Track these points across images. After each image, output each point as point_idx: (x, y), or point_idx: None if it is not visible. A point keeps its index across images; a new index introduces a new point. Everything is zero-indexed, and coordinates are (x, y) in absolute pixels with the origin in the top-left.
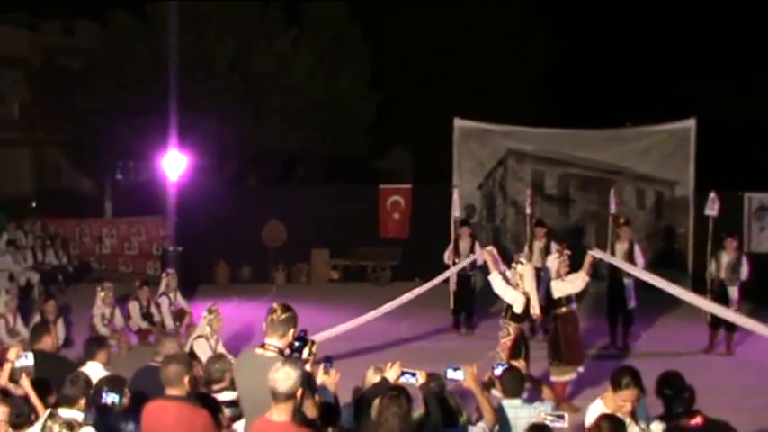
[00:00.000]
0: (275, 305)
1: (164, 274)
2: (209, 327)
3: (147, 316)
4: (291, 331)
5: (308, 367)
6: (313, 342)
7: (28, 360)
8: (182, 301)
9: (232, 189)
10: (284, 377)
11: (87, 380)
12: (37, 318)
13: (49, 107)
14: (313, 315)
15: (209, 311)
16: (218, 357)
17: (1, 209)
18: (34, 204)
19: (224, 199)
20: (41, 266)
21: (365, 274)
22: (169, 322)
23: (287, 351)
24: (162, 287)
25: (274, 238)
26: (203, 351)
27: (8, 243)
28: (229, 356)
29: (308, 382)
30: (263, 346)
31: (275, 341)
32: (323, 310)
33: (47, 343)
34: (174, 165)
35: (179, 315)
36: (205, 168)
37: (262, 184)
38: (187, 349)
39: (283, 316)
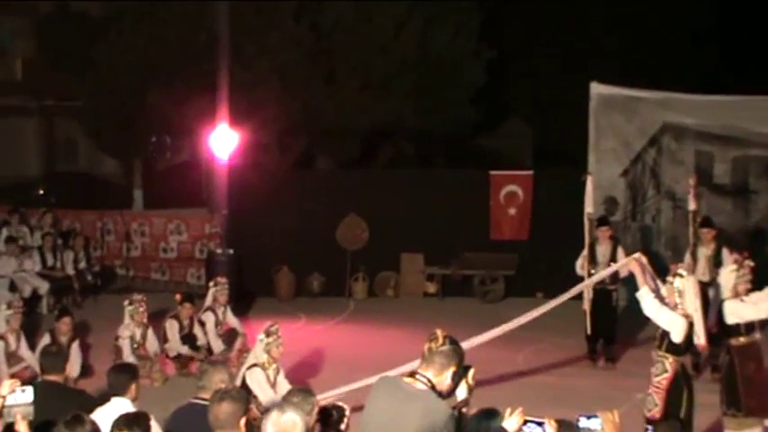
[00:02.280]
0: (437, 333)
1: (210, 285)
2: (267, 353)
3: (188, 338)
4: (451, 371)
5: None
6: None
7: (25, 396)
8: (233, 320)
9: (298, 175)
10: (289, 426)
11: (94, 428)
12: (46, 339)
13: (60, 66)
14: (401, 339)
15: (268, 334)
16: (296, 392)
17: None
18: (42, 191)
19: (287, 187)
20: (52, 273)
21: (470, 287)
22: (217, 346)
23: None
24: (208, 301)
25: (352, 239)
26: (259, 384)
27: (8, 241)
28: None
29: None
30: (412, 374)
31: (430, 374)
32: (414, 332)
33: (59, 372)
34: (223, 143)
35: (229, 337)
36: (264, 148)
37: (336, 169)
38: (238, 382)
39: (445, 348)
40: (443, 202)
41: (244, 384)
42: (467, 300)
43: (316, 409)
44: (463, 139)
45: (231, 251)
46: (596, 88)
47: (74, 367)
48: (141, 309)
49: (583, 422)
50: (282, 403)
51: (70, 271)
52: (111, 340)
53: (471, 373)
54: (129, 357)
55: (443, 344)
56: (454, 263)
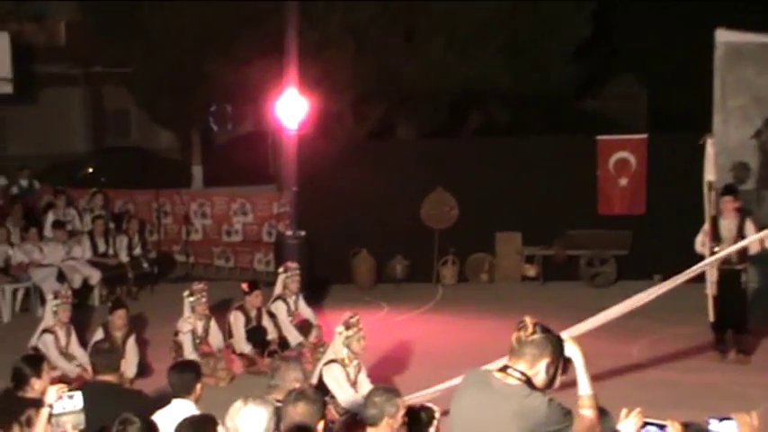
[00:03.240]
0: (526, 320)
1: (280, 271)
2: (346, 348)
3: (256, 332)
4: (544, 362)
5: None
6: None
7: (74, 402)
8: (306, 311)
9: (376, 146)
10: (250, 420)
11: (147, 427)
12: (99, 334)
13: (108, 29)
14: (497, 329)
15: (348, 326)
16: (379, 391)
17: (40, 173)
18: (91, 169)
19: (365, 160)
20: (104, 260)
21: (576, 269)
22: (292, 338)
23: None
24: (277, 289)
25: (440, 217)
26: (338, 383)
27: (55, 226)
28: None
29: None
30: (504, 369)
31: (522, 366)
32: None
33: (113, 372)
34: (291, 111)
35: (302, 330)
36: (337, 116)
37: (419, 138)
38: (314, 380)
39: (536, 337)
40: (543, 174)
41: (320, 383)
42: (572, 284)
43: (401, 411)
44: (565, 101)
45: (303, 233)
46: (723, 36)
47: (130, 366)
48: (203, 299)
49: (714, 425)
50: (247, 397)
51: (124, 258)
52: (170, 335)
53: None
54: (190, 354)
55: (533, 332)
56: (557, 242)
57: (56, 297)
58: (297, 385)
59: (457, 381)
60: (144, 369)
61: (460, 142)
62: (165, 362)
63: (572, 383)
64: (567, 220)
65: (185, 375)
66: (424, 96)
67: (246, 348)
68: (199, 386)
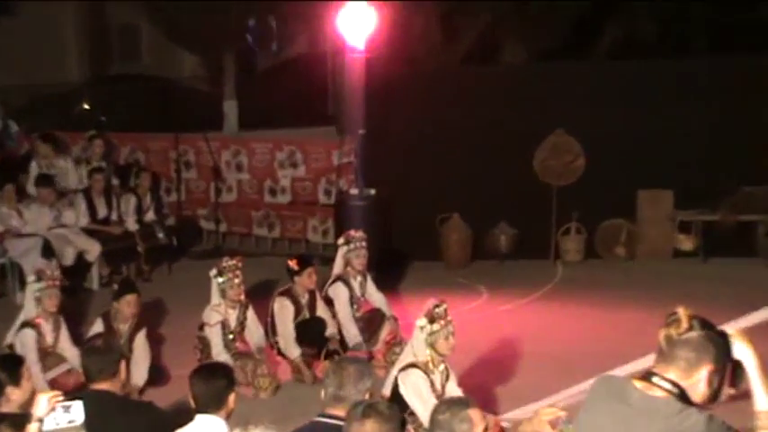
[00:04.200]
0: (680, 312)
1: (340, 243)
2: (430, 348)
3: (308, 326)
4: (705, 370)
5: None
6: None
7: (72, 415)
8: (376, 296)
9: (473, 73)
10: None
11: None
12: (97, 328)
13: None
14: (639, 323)
15: (432, 318)
16: (443, 406)
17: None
18: (88, 106)
19: (457, 93)
20: (105, 228)
21: (752, 241)
22: (351, 335)
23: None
24: (337, 268)
25: (560, 170)
26: (418, 394)
27: (39, 182)
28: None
29: None
30: (647, 376)
31: (673, 374)
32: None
33: (109, 377)
34: (358, 28)
35: (371, 323)
36: (420, 34)
37: (532, 62)
38: (387, 390)
39: (693, 335)
40: (707, 108)
41: (396, 395)
42: (744, 262)
43: (479, 428)
44: (734, 11)
45: (372, 192)
46: None
47: (138, 370)
48: (237, 281)
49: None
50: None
51: (132, 226)
52: (193, 330)
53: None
54: (220, 355)
55: (689, 329)
56: (724, 204)
57: (39, 278)
58: (364, 397)
59: (578, 388)
60: (158, 375)
61: (589, 67)
62: (186, 366)
63: (742, 395)
64: (739, 173)
65: (213, 383)
66: (539, 5)
67: (296, 349)
68: (231, 398)
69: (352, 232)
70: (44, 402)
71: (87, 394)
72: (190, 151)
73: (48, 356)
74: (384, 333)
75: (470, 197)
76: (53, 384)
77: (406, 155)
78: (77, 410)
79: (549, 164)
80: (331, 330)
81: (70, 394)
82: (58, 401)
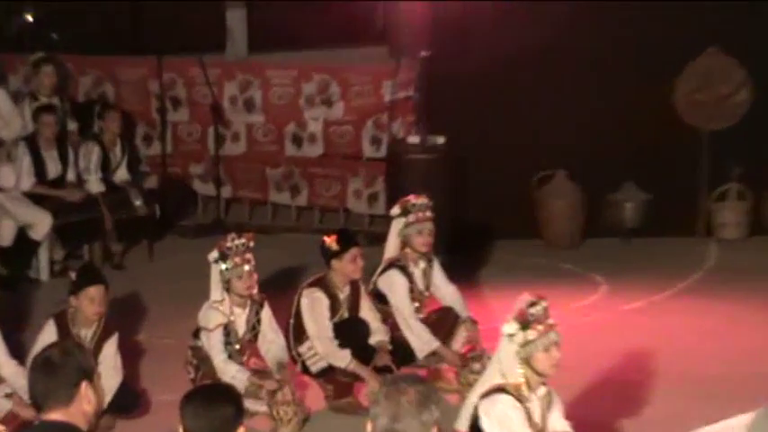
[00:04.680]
0: None
1: (394, 213)
2: (524, 365)
3: (350, 330)
4: None
5: None
6: None
7: None
8: (446, 291)
9: None
10: None
11: None
12: (48, 335)
13: None
14: None
15: (525, 321)
16: None
17: None
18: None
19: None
20: (58, 193)
21: None
22: (420, 343)
23: None
24: (390, 249)
25: (712, 107)
26: (507, 430)
27: None
28: None
29: None
30: None
31: None
32: None
33: (63, 404)
34: None
35: (438, 328)
36: None
37: None
38: (463, 426)
39: None
40: None
41: (476, 430)
42: None
43: None
44: None
45: (441, 140)
46: None
47: (105, 392)
48: (247, 268)
49: None
50: None
51: (95, 188)
52: (184, 337)
53: None
54: (224, 372)
55: None
56: None
57: None
58: (427, 429)
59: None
60: (133, 401)
61: None
62: (174, 388)
63: None
64: None
65: (214, 414)
66: None
67: (342, 358)
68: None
69: (412, 198)
70: None
71: (39, 427)
72: (178, 82)
73: None
74: (457, 343)
75: (581, 147)
76: None
77: (489, 88)
78: None
79: (697, 99)
80: (379, 338)
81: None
82: None
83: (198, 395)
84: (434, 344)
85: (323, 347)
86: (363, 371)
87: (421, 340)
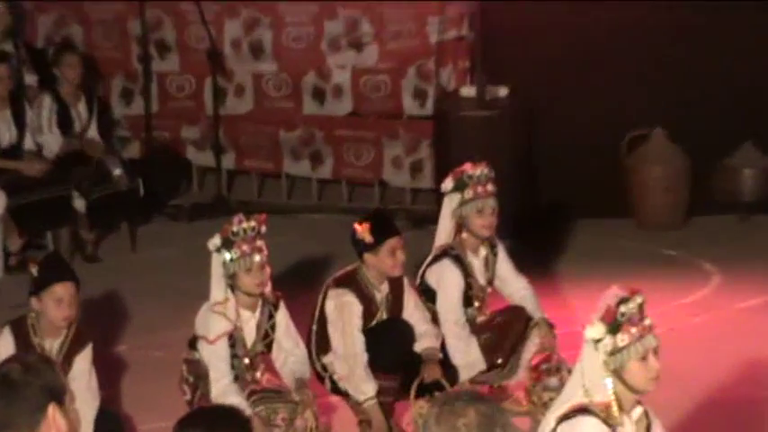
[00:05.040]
0: None
1: (446, 188)
2: (614, 379)
3: (385, 339)
4: None
5: None
6: None
7: None
8: (515, 285)
9: None
10: None
11: None
12: (4, 344)
13: None
14: None
15: (615, 322)
16: None
17: None
18: None
19: None
20: (14, 164)
21: None
22: (472, 358)
23: None
24: (441, 234)
25: None
26: None
27: None
28: None
29: None
30: None
31: None
32: None
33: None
34: None
35: (504, 333)
36: None
37: None
38: None
39: None
40: None
41: None
42: None
43: None
44: None
45: (504, 92)
46: None
47: (81, 418)
48: (258, 258)
49: None
50: None
51: (53, 146)
52: (177, 348)
53: None
54: (227, 394)
55: None
56: None
57: None
58: None
59: None
60: (113, 429)
61: None
62: (166, 414)
63: None
64: None
65: None
66: None
67: (369, 381)
68: None
69: (469, 168)
70: None
71: None
72: (166, 22)
73: None
74: (529, 352)
75: (685, 99)
76: None
77: (564, 24)
78: None
79: None
80: (428, 344)
81: None
82: None
83: (195, 421)
84: (482, 366)
85: (348, 366)
86: (378, 417)
87: (467, 358)
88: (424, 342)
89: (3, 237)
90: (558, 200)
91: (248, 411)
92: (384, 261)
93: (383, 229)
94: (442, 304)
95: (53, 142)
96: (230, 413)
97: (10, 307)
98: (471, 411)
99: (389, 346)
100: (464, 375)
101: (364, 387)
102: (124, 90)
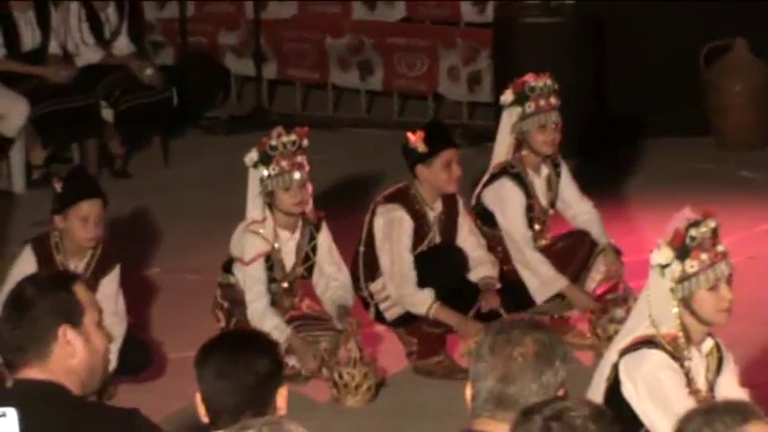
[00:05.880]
0: None
1: (506, 101)
2: (683, 310)
3: (435, 264)
4: None
5: None
6: None
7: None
8: (578, 208)
9: None
10: None
11: None
12: (25, 262)
13: None
14: None
15: (684, 247)
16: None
17: None
18: None
19: None
20: (37, 70)
21: None
22: (544, 277)
23: None
24: (500, 150)
25: None
26: (659, 397)
27: None
28: None
29: None
30: None
31: None
32: None
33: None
34: None
35: (567, 260)
36: None
37: None
38: (597, 391)
39: None
40: None
41: (615, 395)
42: None
43: None
44: None
45: None
46: None
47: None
48: (297, 175)
49: None
50: None
51: (86, 57)
52: (210, 271)
53: None
54: (264, 318)
55: None
56: None
57: None
58: (549, 394)
59: None
60: (142, 357)
61: None
62: (198, 341)
63: None
64: None
65: (244, 371)
66: None
67: (421, 292)
68: (280, 399)
69: (531, 79)
70: None
71: (18, 389)
72: None
73: None
74: (593, 281)
75: None
76: None
77: None
78: (11, 420)
79: None
80: (485, 272)
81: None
82: None
83: (218, 346)
84: (560, 283)
85: (396, 286)
86: (454, 318)
87: (540, 278)
88: (480, 270)
89: (25, 149)
90: (628, 116)
91: (287, 333)
92: (438, 174)
93: (438, 139)
94: (505, 226)
95: (90, 55)
96: (256, 337)
97: (33, 224)
98: (528, 340)
99: (442, 273)
100: (540, 297)
101: (420, 297)
102: None
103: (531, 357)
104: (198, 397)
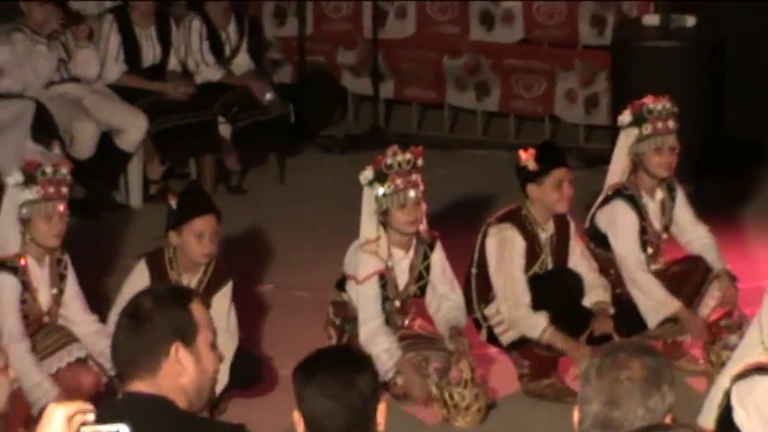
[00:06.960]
0: None
1: (624, 122)
2: None
3: (547, 287)
4: None
5: None
6: None
7: None
8: (694, 233)
9: None
10: None
11: None
12: (139, 277)
13: None
14: None
15: None
16: None
17: None
18: None
19: None
20: (157, 86)
21: None
22: (656, 299)
23: None
24: (615, 172)
25: None
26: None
27: None
28: None
29: None
30: None
31: None
32: None
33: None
34: None
35: (682, 284)
36: None
37: None
38: (708, 418)
39: None
40: None
41: (727, 423)
42: None
43: None
44: None
45: (692, 21)
46: None
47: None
48: (413, 194)
49: None
50: None
51: (207, 76)
52: (324, 289)
53: None
54: (376, 337)
55: None
56: None
57: (28, 180)
58: (656, 419)
59: None
60: (253, 373)
61: None
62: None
63: None
64: None
65: (350, 389)
66: None
67: (533, 316)
68: (380, 415)
69: (649, 102)
70: (59, 422)
71: (129, 402)
72: None
73: (42, 331)
74: (707, 306)
75: None
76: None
77: None
78: None
79: None
80: (598, 297)
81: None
82: (88, 425)
83: (317, 363)
84: (673, 305)
85: (508, 307)
86: (567, 343)
87: (652, 300)
88: (593, 295)
89: (143, 163)
90: (747, 140)
91: (397, 356)
92: (549, 193)
93: (550, 158)
94: (618, 249)
95: (210, 74)
96: (354, 354)
97: (147, 239)
98: (635, 364)
99: (556, 299)
100: (652, 320)
101: (534, 320)
102: (277, 9)
103: (638, 381)
104: (296, 415)
